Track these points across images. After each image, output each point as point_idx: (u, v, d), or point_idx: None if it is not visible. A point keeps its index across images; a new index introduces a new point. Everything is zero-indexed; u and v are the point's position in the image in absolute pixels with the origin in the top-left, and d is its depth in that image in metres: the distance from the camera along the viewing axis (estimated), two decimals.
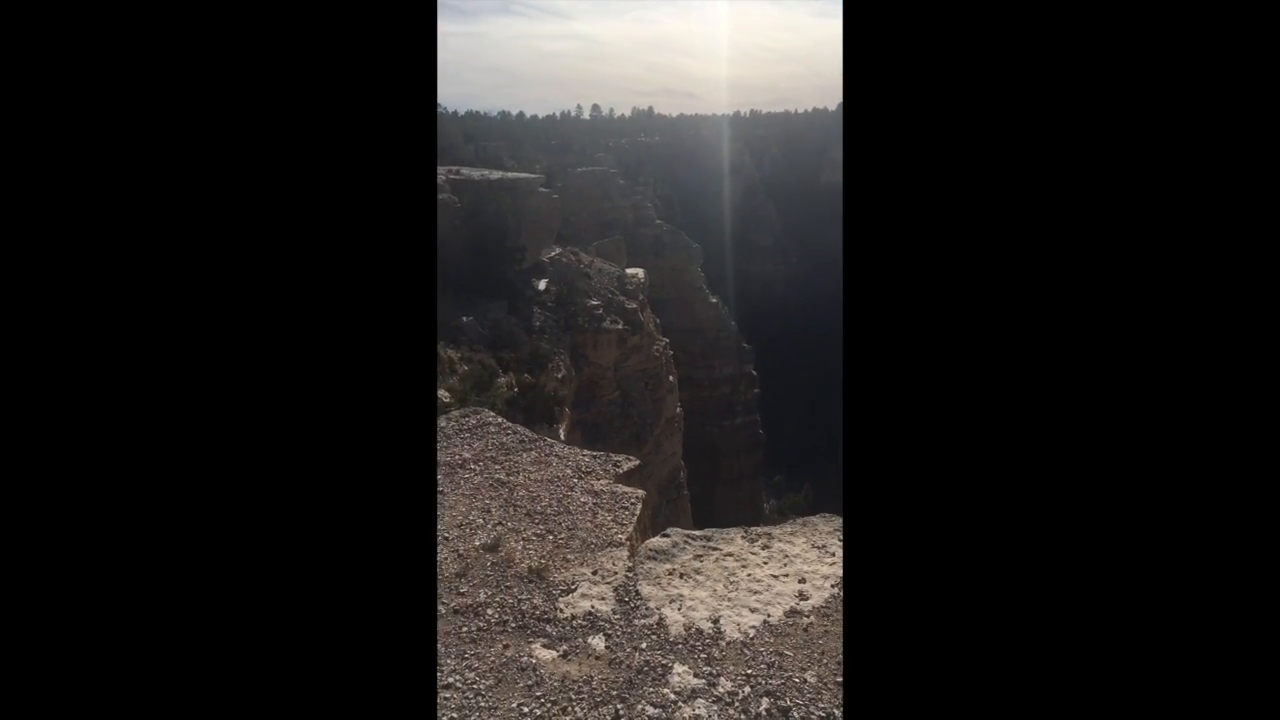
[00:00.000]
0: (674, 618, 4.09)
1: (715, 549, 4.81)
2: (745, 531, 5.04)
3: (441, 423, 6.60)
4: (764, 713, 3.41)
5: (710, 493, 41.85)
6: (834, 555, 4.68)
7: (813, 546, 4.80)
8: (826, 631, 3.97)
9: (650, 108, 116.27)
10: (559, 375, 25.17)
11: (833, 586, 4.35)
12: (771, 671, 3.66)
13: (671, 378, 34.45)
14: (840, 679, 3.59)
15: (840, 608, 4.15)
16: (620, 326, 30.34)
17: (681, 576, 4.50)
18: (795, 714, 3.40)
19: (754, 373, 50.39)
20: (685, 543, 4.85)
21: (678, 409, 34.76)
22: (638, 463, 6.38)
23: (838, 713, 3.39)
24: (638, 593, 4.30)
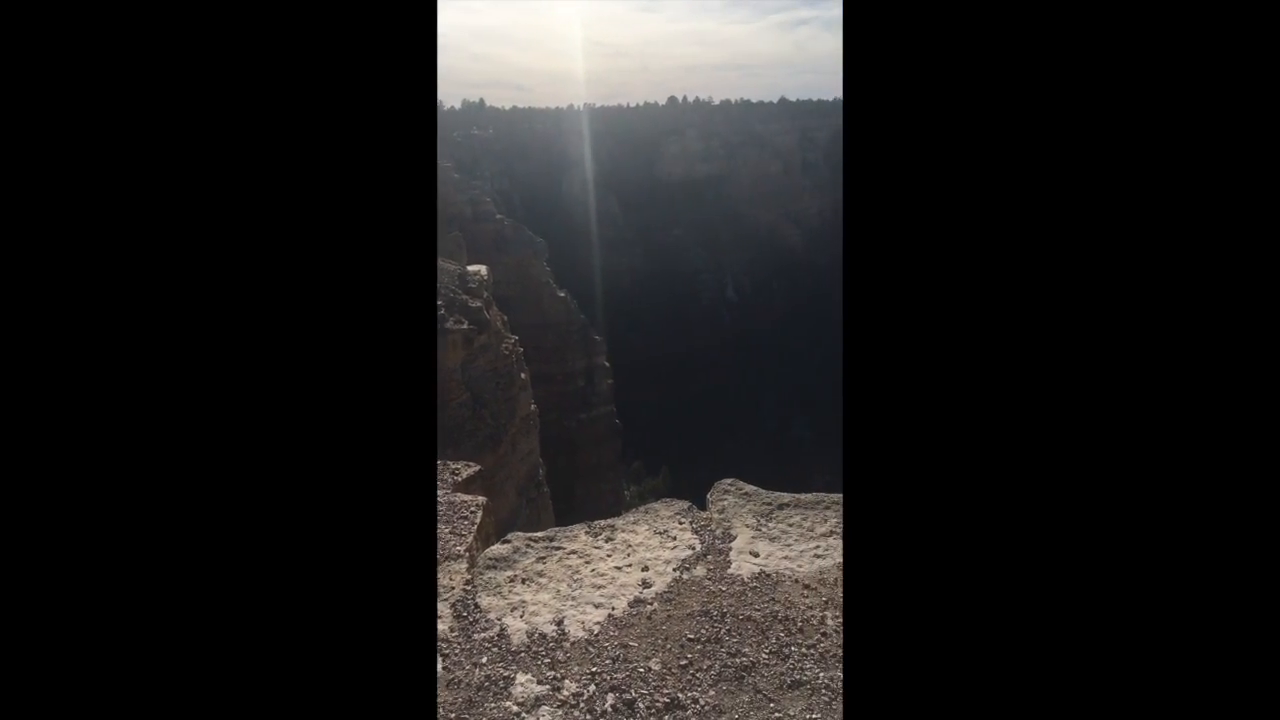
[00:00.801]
0: (516, 626, 3.94)
1: (559, 548, 4.70)
2: (589, 526, 4.98)
3: None
4: (609, 709, 3.37)
5: (570, 487, 41.86)
6: (675, 539, 4.76)
7: (655, 533, 4.84)
8: (670, 616, 4.01)
9: (482, 100, 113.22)
10: None
11: (674, 570, 4.42)
12: (616, 665, 3.63)
13: (523, 375, 33.86)
14: (683, 662, 3.65)
15: (681, 590, 4.23)
16: (465, 326, 29.30)
17: (524, 582, 4.35)
18: (640, 705, 3.39)
19: (606, 364, 50.92)
20: (527, 546, 4.70)
21: (531, 406, 34.27)
22: (478, 468, 6.10)
23: (681, 695, 3.43)
24: (477, 605, 4.10)
